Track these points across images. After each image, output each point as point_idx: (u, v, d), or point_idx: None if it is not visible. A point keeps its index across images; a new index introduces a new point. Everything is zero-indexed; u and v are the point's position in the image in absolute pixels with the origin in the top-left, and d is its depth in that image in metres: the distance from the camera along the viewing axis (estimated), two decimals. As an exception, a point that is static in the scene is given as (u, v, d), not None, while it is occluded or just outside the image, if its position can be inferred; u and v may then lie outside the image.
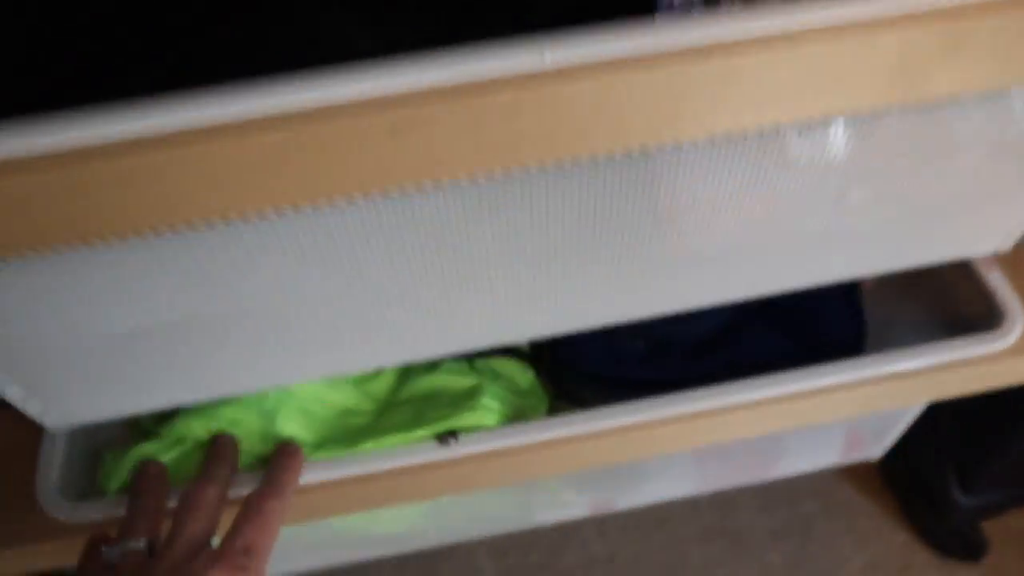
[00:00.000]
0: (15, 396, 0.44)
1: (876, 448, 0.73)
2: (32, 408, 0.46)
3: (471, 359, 0.60)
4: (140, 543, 0.42)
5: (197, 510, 0.43)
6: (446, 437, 0.51)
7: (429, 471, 0.51)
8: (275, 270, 0.38)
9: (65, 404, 0.46)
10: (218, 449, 0.49)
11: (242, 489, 0.50)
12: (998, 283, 0.56)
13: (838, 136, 0.40)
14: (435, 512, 0.64)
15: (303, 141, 0.30)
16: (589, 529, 0.98)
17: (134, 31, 0.40)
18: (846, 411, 0.55)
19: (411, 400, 0.55)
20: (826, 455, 0.71)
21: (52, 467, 0.51)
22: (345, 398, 0.55)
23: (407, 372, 0.57)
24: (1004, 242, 0.52)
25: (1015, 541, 0.95)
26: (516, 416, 0.56)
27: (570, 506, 0.69)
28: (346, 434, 0.53)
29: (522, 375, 0.61)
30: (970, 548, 0.91)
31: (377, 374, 0.57)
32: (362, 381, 0.57)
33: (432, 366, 0.57)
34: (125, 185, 0.30)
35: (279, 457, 0.49)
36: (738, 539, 0.96)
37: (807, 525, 0.97)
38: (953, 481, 0.83)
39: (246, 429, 0.50)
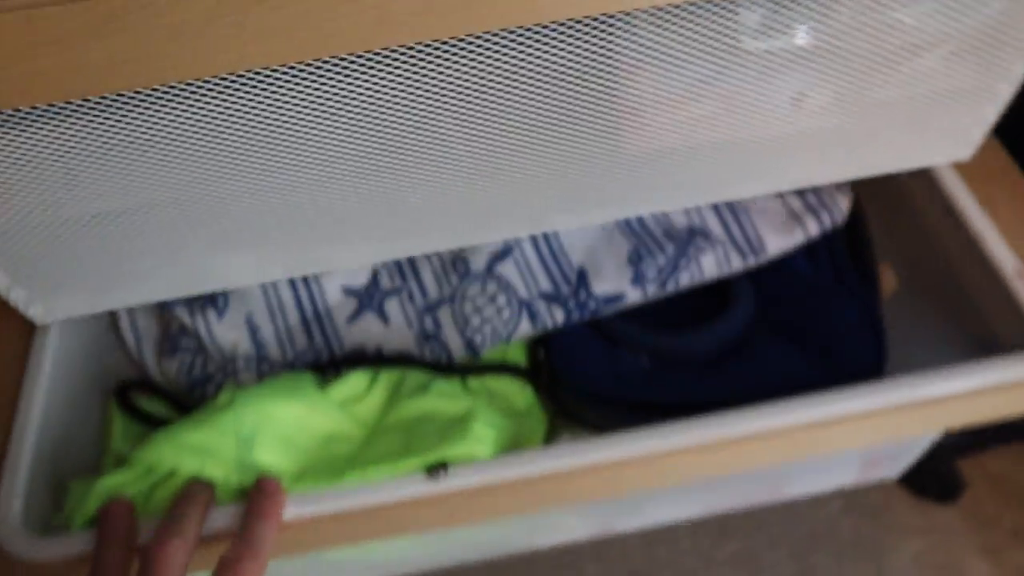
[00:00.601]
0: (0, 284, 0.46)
1: (894, 469, 0.70)
2: (17, 297, 0.48)
3: (464, 377, 0.56)
4: None
5: (159, 570, 0.40)
6: (436, 470, 0.47)
7: (417, 506, 0.47)
8: (227, 144, 0.40)
9: (48, 295, 0.48)
10: (187, 498, 0.45)
11: (216, 523, 0.46)
12: (1030, 297, 0.52)
13: (791, 18, 0.39)
14: (429, 538, 0.61)
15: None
16: (588, 555, 0.94)
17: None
18: (870, 439, 0.51)
19: (400, 426, 0.52)
20: (840, 477, 0.68)
21: (13, 497, 0.47)
22: (329, 422, 0.52)
23: (396, 394, 0.54)
24: (965, 150, 0.51)
25: (991, 482, 0.92)
26: (512, 442, 0.52)
27: (569, 530, 0.65)
28: (330, 463, 0.49)
29: (519, 394, 0.58)
30: (947, 489, 0.89)
31: (364, 396, 0.54)
32: (348, 403, 0.53)
33: (423, 388, 0.54)
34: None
35: (255, 502, 0.45)
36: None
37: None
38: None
39: (221, 458, 0.47)
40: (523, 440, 0.54)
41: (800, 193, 0.64)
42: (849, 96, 0.45)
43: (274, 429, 0.49)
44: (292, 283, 0.62)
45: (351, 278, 0.62)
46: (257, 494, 0.46)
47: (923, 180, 0.60)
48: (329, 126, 0.40)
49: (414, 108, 0.40)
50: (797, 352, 0.58)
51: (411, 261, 0.62)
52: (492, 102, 0.41)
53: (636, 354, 0.60)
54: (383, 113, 0.40)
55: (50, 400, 0.52)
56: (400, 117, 0.40)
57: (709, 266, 0.61)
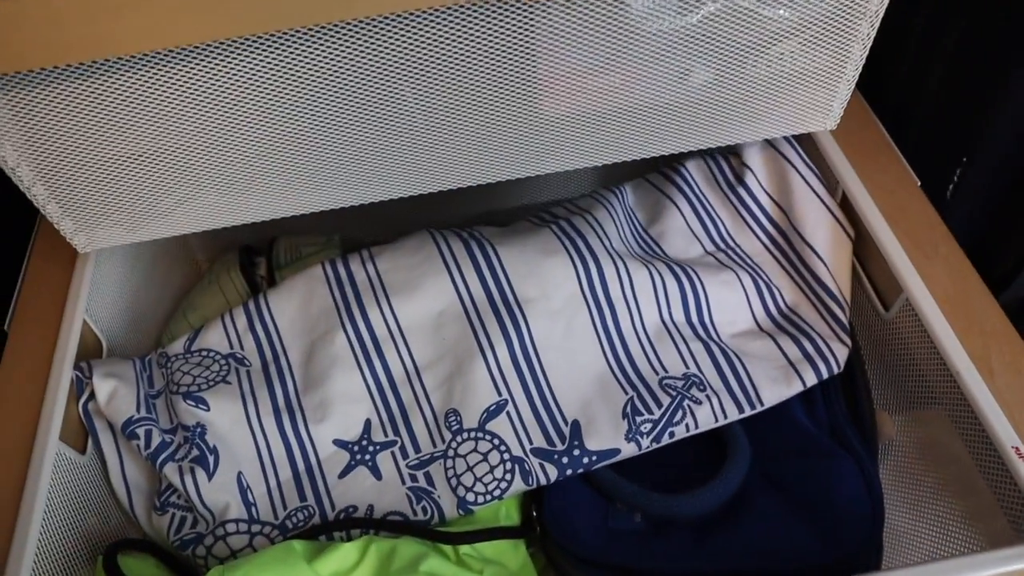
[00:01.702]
0: (53, 213, 0.57)
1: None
2: (65, 227, 0.59)
3: (456, 548, 0.56)
4: None
5: None
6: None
7: None
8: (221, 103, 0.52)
9: (92, 226, 0.59)
10: None
11: None
12: (1029, 478, 0.51)
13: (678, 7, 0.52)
14: None
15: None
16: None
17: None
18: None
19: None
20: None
21: None
22: (318, 600, 0.51)
23: (385, 569, 0.53)
24: (829, 120, 0.62)
25: None
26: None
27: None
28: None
29: (512, 554, 0.58)
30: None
31: (353, 568, 0.53)
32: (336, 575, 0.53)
33: (413, 566, 0.53)
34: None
35: None
36: None
37: None
38: None
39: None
40: (514, 609, 0.53)
41: (797, 341, 0.64)
42: (727, 73, 0.57)
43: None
44: (283, 436, 0.61)
45: (343, 431, 0.62)
46: None
47: (919, 333, 0.59)
48: (302, 90, 0.52)
49: (369, 76, 0.52)
50: (793, 519, 0.57)
51: (403, 413, 0.62)
52: (434, 71, 0.52)
53: (630, 511, 0.59)
54: (347, 79, 0.52)
55: (39, 559, 0.52)
56: (359, 84, 0.52)
57: (704, 418, 0.61)
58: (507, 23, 0.51)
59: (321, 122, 0.55)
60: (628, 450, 0.59)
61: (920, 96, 0.72)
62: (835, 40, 0.57)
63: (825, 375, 0.62)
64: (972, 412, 0.55)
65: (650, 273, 0.65)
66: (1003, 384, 0.55)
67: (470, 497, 0.58)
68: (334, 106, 0.54)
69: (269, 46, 0.50)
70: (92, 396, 0.61)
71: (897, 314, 0.62)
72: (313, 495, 0.59)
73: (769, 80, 0.59)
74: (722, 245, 0.70)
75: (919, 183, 0.65)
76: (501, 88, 0.55)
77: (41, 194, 0.56)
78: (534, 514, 0.60)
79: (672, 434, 0.60)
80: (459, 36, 0.51)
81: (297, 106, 0.53)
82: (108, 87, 0.50)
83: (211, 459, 0.59)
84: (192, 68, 0.50)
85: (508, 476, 0.58)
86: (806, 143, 0.70)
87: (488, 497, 0.58)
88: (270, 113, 0.54)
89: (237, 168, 0.57)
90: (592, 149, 0.61)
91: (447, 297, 0.64)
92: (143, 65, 0.49)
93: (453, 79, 0.53)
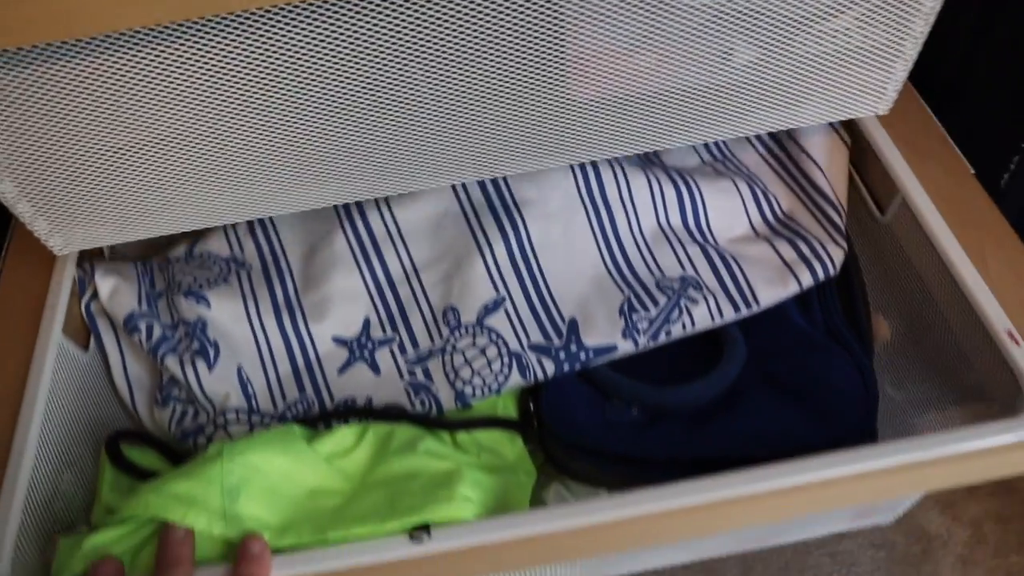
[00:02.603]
0: (24, 213, 0.52)
1: (887, 518, 0.69)
2: (39, 228, 0.54)
3: (454, 434, 0.57)
4: None
5: None
6: (418, 532, 0.47)
7: (400, 568, 0.47)
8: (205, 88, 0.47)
9: (68, 226, 0.54)
10: (169, 555, 0.45)
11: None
12: (1019, 357, 0.52)
13: None
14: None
15: None
16: None
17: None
18: (859, 499, 0.51)
19: (385, 482, 0.52)
20: (834, 525, 0.67)
21: (2, 558, 0.48)
22: (315, 476, 0.52)
23: (383, 450, 0.54)
24: (883, 104, 0.57)
25: None
26: (498, 499, 0.52)
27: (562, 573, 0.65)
28: (314, 517, 0.49)
29: (509, 446, 0.58)
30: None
31: (351, 449, 0.54)
32: (335, 457, 0.53)
33: (410, 445, 0.54)
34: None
35: (242, 565, 0.45)
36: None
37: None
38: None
39: (205, 507, 0.47)
40: (510, 494, 0.54)
41: (793, 244, 0.64)
42: (773, 52, 0.52)
43: (260, 481, 0.49)
44: (283, 333, 0.62)
45: (342, 328, 0.62)
46: (243, 557, 0.46)
47: (915, 231, 0.60)
48: (305, 71, 0.47)
49: (372, 55, 0.46)
50: (788, 407, 0.58)
51: (402, 311, 0.63)
52: (451, 51, 0.47)
53: (626, 405, 0.60)
54: (353, 60, 0.47)
55: (41, 450, 0.52)
56: (366, 66, 0.47)
57: (701, 317, 0.61)
58: (541, 10, 0.45)
59: (327, 107, 0.49)
60: (625, 347, 0.60)
61: (972, 80, 0.69)
62: (895, 14, 0.51)
63: (821, 277, 0.62)
64: (966, 299, 0.55)
65: (648, 179, 0.65)
66: (996, 273, 0.56)
67: (468, 390, 0.58)
68: (340, 89, 0.48)
69: (263, 22, 0.44)
70: (95, 296, 0.62)
71: (893, 216, 0.63)
72: (312, 388, 0.60)
73: (819, 59, 0.53)
74: (719, 156, 0.71)
75: (972, 171, 0.62)
76: (525, 71, 0.49)
77: (10, 191, 0.51)
78: (531, 408, 0.60)
79: (669, 333, 0.60)
80: (476, 11, 0.46)
81: (300, 90, 0.48)
82: (81, 71, 0.44)
83: (212, 352, 0.59)
84: (175, 47, 0.44)
85: (506, 370, 0.59)
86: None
87: (486, 390, 0.58)
88: (267, 99, 0.48)
89: (234, 160, 0.51)
90: (624, 137, 0.56)
91: (446, 200, 0.65)
92: (119, 45, 0.44)
93: (470, 61, 0.48)
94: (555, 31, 0.47)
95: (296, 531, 0.48)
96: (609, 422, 0.59)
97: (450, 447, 0.55)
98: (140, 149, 0.50)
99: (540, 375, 0.59)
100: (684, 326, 0.60)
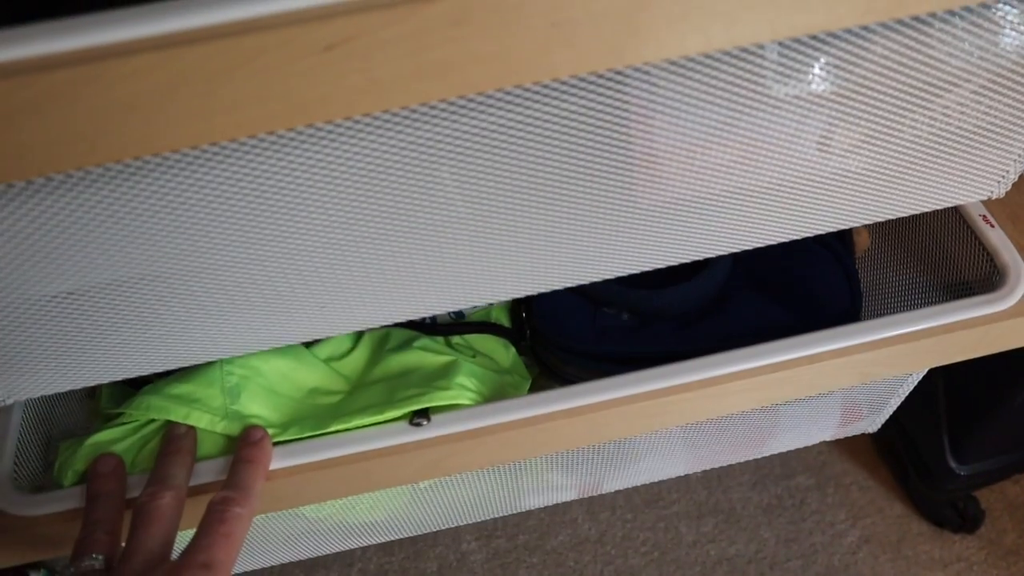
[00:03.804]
0: None
1: (873, 421, 0.71)
2: None
3: (448, 338, 0.57)
4: (97, 560, 0.40)
5: (152, 522, 0.41)
6: (418, 418, 0.48)
7: (401, 454, 0.48)
8: (205, 214, 0.36)
9: (12, 378, 0.43)
10: (172, 445, 0.46)
11: (206, 476, 0.47)
12: (999, 242, 0.53)
13: (818, 61, 0.37)
14: (417, 499, 0.62)
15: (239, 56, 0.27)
16: (578, 509, 0.96)
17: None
18: (845, 379, 0.52)
19: (383, 378, 0.52)
20: (822, 430, 0.69)
21: (3, 457, 0.48)
22: (314, 376, 0.53)
23: (380, 350, 0.55)
24: (999, 187, 0.48)
25: (1012, 511, 0.93)
26: (495, 395, 0.53)
27: (557, 489, 0.66)
28: (314, 414, 0.50)
29: (503, 352, 0.59)
30: (966, 519, 0.89)
31: (349, 352, 0.55)
32: (333, 359, 0.54)
33: (406, 343, 0.54)
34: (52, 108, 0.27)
35: (243, 449, 0.46)
36: (731, 515, 0.94)
37: (800, 500, 0.95)
38: (947, 450, 0.81)
39: (207, 406, 0.48)
40: (507, 393, 0.54)
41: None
42: (877, 135, 0.42)
43: (259, 381, 0.50)
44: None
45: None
46: (244, 442, 0.46)
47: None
48: (315, 195, 0.36)
49: (408, 174, 0.36)
50: (774, 304, 0.59)
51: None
52: (496, 161, 0.37)
53: (617, 311, 0.61)
54: (381, 180, 0.36)
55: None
56: (396, 183, 0.37)
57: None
58: (595, 98, 0.35)
59: (369, 227, 0.39)
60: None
61: None
62: (1020, 85, 0.41)
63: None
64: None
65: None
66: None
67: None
68: (376, 208, 0.38)
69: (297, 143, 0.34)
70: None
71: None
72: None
73: (931, 140, 0.43)
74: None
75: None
76: (587, 177, 0.39)
77: None
78: (524, 316, 0.61)
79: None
80: (525, 121, 0.36)
81: (357, 209, 0.38)
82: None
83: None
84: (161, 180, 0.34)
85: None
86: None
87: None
88: (255, 228, 0.37)
89: (206, 296, 0.41)
90: (697, 241, 0.47)
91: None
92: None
93: (533, 171, 0.38)
94: (619, 130, 0.37)
95: (298, 426, 0.49)
96: (601, 327, 0.60)
97: (444, 347, 0.56)
98: (99, 290, 0.39)
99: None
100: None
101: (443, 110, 0.34)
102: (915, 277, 0.61)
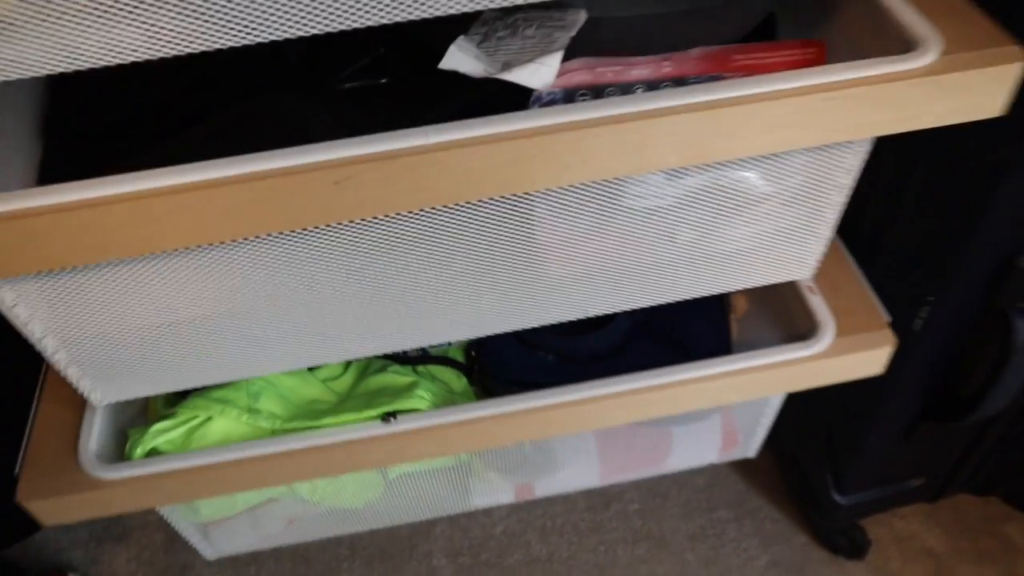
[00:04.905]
0: (73, 375, 0.62)
1: (749, 446, 0.89)
2: (83, 386, 0.63)
3: (415, 367, 0.77)
4: None
5: None
6: (388, 417, 0.67)
7: (375, 443, 0.67)
8: (253, 284, 0.56)
9: (108, 383, 0.63)
10: None
11: (231, 456, 0.66)
12: (817, 306, 0.73)
13: (663, 188, 0.58)
14: (389, 492, 0.80)
15: (281, 188, 0.48)
16: (532, 534, 1.13)
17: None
18: (702, 401, 0.71)
19: (365, 393, 0.72)
20: (709, 452, 0.87)
21: (90, 440, 0.67)
22: (314, 391, 0.72)
23: (363, 374, 0.74)
24: (806, 270, 0.69)
25: (898, 541, 1.10)
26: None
27: (498, 489, 0.84)
28: (312, 414, 0.69)
29: (456, 380, 0.78)
30: (854, 546, 1.06)
31: (340, 375, 0.74)
32: (328, 380, 0.74)
33: (383, 369, 0.74)
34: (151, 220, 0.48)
35: None
36: (661, 541, 1.11)
37: (721, 530, 1.13)
38: (830, 483, 0.99)
39: (236, 406, 0.67)
40: (456, 409, 0.73)
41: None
42: (709, 233, 0.61)
43: (274, 391, 0.69)
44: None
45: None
46: None
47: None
48: (318, 278, 0.58)
49: (387, 263, 0.58)
50: (663, 349, 0.79)
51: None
52: (454, 252, 0.58)
53: (546, 353, 0.80)
54: (372, 267, 0.57)
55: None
56: (369, 268, 0.58)
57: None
58: (512, 209, 0.56)
59: (342, 298, 0.60)
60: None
61: (890, 236, 0.77)
62: (810, 206, 0.61)
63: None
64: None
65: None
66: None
67: (427, 341, 0.79)
68: (349, 284, 0.59)
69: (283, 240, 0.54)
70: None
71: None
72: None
73: (749, 237, 0.62)
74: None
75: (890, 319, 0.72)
76: (510, 259, 0.60)
77: (63, 358, 0.60)
78: (474, 354, 0.81)
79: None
80: (471, 223, 0.56)
81: (319, 284, 0.58)
82: (132, 274, 0.54)
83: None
84: (210, 257, 0.54)
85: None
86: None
87: (442, 345, 0.79)
88: (286, 290, 0.58)
89: (251, 332, 0.61)
90: (590, 302, 0.67)
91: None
92: (161, 257, 0.53)
93: (468, 255, 0.58)
94: (529, 228, 0.58)
95: (300, 420, 0.68)
96: (533, 365, 0.80)
97: (411, 372, 0.75)
98: (178, 326, 0.59)
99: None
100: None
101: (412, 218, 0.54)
102: (771, 331, 0.81)
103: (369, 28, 0.46)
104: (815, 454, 1.00)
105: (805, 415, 1.00)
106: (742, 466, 1.16)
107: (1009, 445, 0.94)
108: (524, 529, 1.13)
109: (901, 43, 0.53)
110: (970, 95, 0.52)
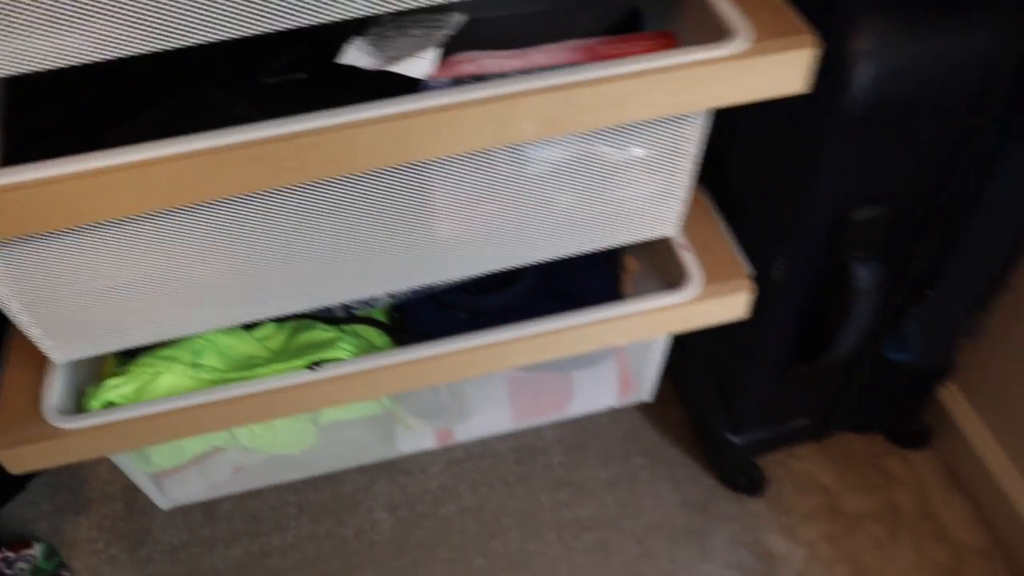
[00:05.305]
0: (36, 335, 0.71)
1: (645, 388, 1.01)
2: (45, 345, 0.72)
3: (341, 326, 0.87)
4: None
5: None
6: (314, 365, 0.78)
7: (303, 389, 0.77)
8: (183, 250, 0.67)
9: (66, 343, 0.73)
10: None
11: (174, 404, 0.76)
12: (688, 260, 0.85)
13: (529, 159, 0.69)
14: (323, 439, 0.90)
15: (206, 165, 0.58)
16: (464, 487, 1.24)
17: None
18: (589, 344, 0.82)
19: (295, 348, 0.82)
20: (607, 395, 0.98)
21: (52, 395, 0.76)
22: (250, 349, 0.82)
23: (294, 333, 0.84)
24: (671, 228, 0.81)
25: (792, 478, 1.23)
26: (368, 359, 0.83)
27: (421, 435, 0.95)
28: (249, 367, 0.79)
29: (379, 338, 0.89)
30: (753, 483, 1.18)
31: (274, 334, 0.84)
32: (263, 339, 0.84)
33: (311, 327, 0.84)
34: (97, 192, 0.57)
35: None
36: (581, 488, 1.23)
37: (636, 475, 1.25)
38: (724, 425, 1.11)
39: (181, 362, 0.77)
40: (378, 361, 0.84)
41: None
42: (584, 197, 0.73)
43: (215, 348, 0.79)
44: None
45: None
46: None
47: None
48: (242, 244, 0.68)
49: (306, 228, 0.68)
50: (560, 303, 0.90)
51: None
52: (359, 217, 0.68)
53: (458, 311, 0.91)
54: (288, 233, 0.68)
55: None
56: (287, 231, 0.68)
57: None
58: (408, 175, 0.66)
59: (264, 260, 0.69)
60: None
61: (750, 198, 0.89)
62: (665, 171, 0.73)
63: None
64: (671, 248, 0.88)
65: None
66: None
67: (353, 306, 0.89)
68: (272, 249, 0.69)
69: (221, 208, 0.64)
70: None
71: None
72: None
73: (618, 200, 0.73)
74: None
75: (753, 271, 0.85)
76: (406, 219, 0.70)
77: (25, 320, 0.68)
78: (396, 315, 0.91)
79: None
80: (370, 190, 0.66)
81: (248, 249, 0.68)
82: (81, 243, 0.63)
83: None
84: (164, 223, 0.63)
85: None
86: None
87: (365, 306, 0.89)
88: (213, 256, 0.67)
89: (192, 294, 0.70)
90: (479, 260, 0.77)
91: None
92: (104, 227, 0.63)
93: (369, 219, 0.68)
94: (425, 195, 0.68)
95: (237, 372, 0.78)
96: (446, 322, 0.91)
97: (337, 331, 0.86)
98: (131, 288, 0.68)
99: (403, 296, 0.90)
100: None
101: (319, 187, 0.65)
102: (655, 287, 0.92)
103: (290, 31, 0.56)
104: (711, 399, 1.12)
105: (701, 363, 1.12)
106: (656, 418, 1.28)
107: (881, 386, 1.07)
108: (457, 483, 1.24)
109: (723, 33, 0.65)
110: (775, 75, 0.63)
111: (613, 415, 1.27)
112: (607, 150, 0.71)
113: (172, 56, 0.61)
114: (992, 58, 0.71)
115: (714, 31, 0.66)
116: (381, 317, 0.91)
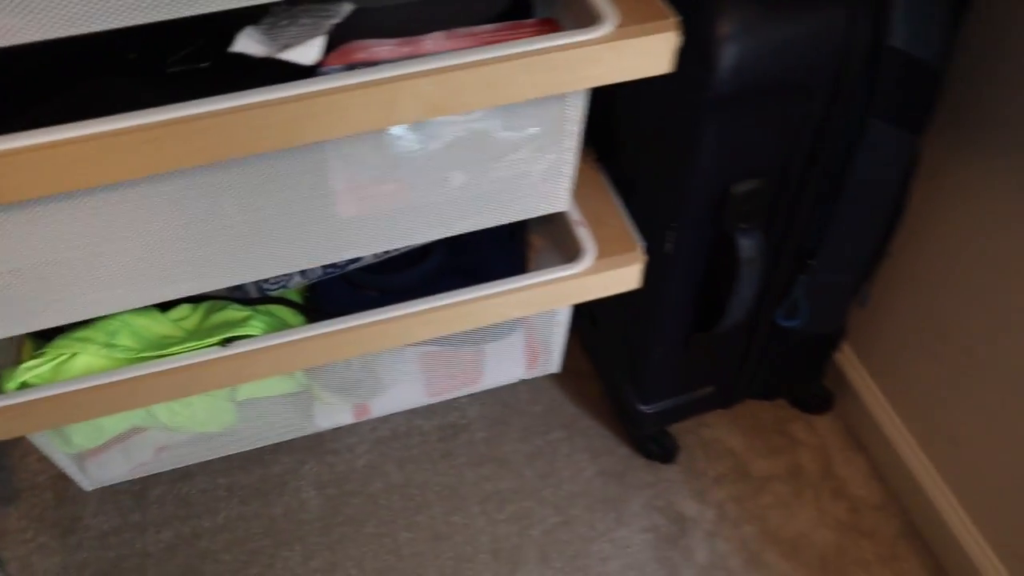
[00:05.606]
0: None
1: (552, 361, 1.06)
2: None
3: (254, 306, 0.91)
4: None
5: None
6: (226, 342, 0.81)
7: (216, 365, 0.81)
8: (87, 232, 0.70)
9: None
10: None
11: (87, 384, 0.79)
12: (582, 235, 0.90)
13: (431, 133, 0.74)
14: (241, 416, 0.94)
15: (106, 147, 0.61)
16: (391, 464, 1.28)
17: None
18: (491, 316, 0.87)
19: (208, 328, 0.86)
20: (516, 367, 1.03)
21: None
22: (165, 330, 0.85)
23: (208, 314, 0.88)
24: (562, 203, 0.86)
25: (703, 445, 1.30)
26: (280, 336, 0.87)
27: (338, 410, 0.99)
28: (163, 347, 0.83)
29: (292, 318, 0.93)
30: (665, 451, 1.25)
31: (188, 315, 0.88)
32: (177, 320, 0.87)
33: (224, 308, 0.88)
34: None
35: None
36: (503, 462, 1.28)
37: (555, 448, 1.30)
38: (634, 395, 1.17)
39: (95, 343, 0.80)
40: (290, 339, 0.88)
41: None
42: (476, 176, 0.77)
43: (129, 329, 0.83)
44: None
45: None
46: None
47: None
48: (143, 224, 0.71)
49: (212, 209, 0.71)
50: (466, 279, 0.95)
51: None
52: (254, 197, 0.72)
53: (368, 290, 0.96)
54: (188, 213, 0.71)
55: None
56: (191, 208, 0.71)
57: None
58: (307, 158, 0.70)
59: (183, 240, 0.73)
60: (369, 258, 0.96)
61: (639, 175, 0.94)
62: (551, 151, 0.77)
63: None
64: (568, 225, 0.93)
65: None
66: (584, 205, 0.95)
67: (267, 286, 0.93)
68: (181, 229, 0.72)
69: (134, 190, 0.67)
70: None
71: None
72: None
73: (509, 179, 0.77)
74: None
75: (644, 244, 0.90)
76: (305, 200, 0.73)
77: None
78: (308, 295, 0.95)
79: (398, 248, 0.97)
80: (270, 170, 0.70)
81: (156, 229, 0.71)
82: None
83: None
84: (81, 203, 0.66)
85: (294, 274, 0.94)
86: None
87: (279, 287, 0.93)
88: (127, 235, 0.70)
89: (104, 275, 0.73)
90: (381, 238, 0.80)
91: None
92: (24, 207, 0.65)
93: (269, 200, 0.72)
94: (322, 173, 0.71)
95: (150, 351, 0.82)
96: (358, 300, 0.95)
97: (250, 310, 0.90)
98: (34, 269, 0.70)
99: (315, 277, 0.94)
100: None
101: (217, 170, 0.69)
102: (557, 262, 0.97)
103: (194, 20, 0.60)
104: (622, 371, 1.18)
105: (611, 338, 1.18)
106: (575, 393, 1.33)
107: (780, 354, 1.14)
108: (384, 461, 1.28)
109: (594, 18, 0.70)
110: (641, 57, 0.69)
111: (534, 392, 1.32)
112: (494, 128, 0.75)
113: (79, 46, 0.64)
114: (846, 40, 0.77)
115: (588, 17, 0.71)
116: (295, 297, 0.95)
